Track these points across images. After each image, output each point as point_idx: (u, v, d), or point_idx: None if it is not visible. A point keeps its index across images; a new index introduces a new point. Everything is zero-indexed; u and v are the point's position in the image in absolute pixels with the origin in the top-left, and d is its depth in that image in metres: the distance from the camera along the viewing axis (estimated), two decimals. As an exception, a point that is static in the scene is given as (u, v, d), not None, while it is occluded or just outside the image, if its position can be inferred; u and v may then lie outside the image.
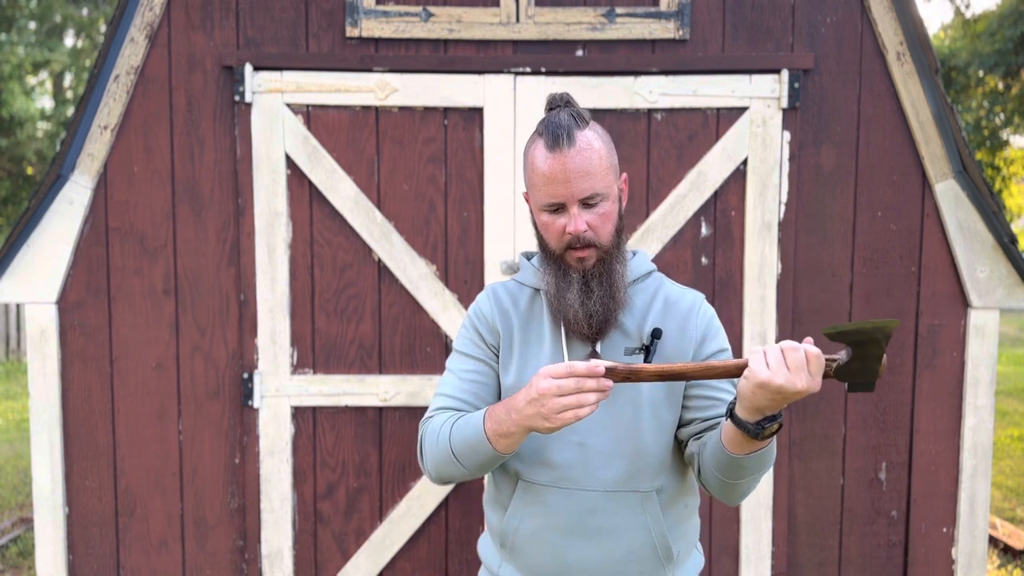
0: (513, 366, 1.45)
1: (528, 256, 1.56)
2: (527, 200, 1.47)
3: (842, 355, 1.20)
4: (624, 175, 1.45)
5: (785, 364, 1.16)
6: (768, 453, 1.30)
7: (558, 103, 1.40)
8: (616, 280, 1.40)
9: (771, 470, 2.59)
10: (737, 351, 2.58)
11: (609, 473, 1.40)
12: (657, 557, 1.44)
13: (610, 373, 1.23)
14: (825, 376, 1.20)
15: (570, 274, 1.39)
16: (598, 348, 1.43)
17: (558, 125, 1.34)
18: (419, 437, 1.48)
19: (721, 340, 1.49)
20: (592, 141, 1.35)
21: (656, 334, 1.40)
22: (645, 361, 1.39)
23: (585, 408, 1.21)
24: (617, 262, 1.41)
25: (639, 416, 1.41)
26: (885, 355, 1.20)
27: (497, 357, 1.48)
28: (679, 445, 1.49)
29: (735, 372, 1.23)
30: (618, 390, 1.39)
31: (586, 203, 1.35)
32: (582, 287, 1.38)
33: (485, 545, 1.57)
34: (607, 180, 1.36)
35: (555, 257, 1.41)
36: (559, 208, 1.36)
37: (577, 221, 1.35)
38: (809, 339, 1.20)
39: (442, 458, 1.40)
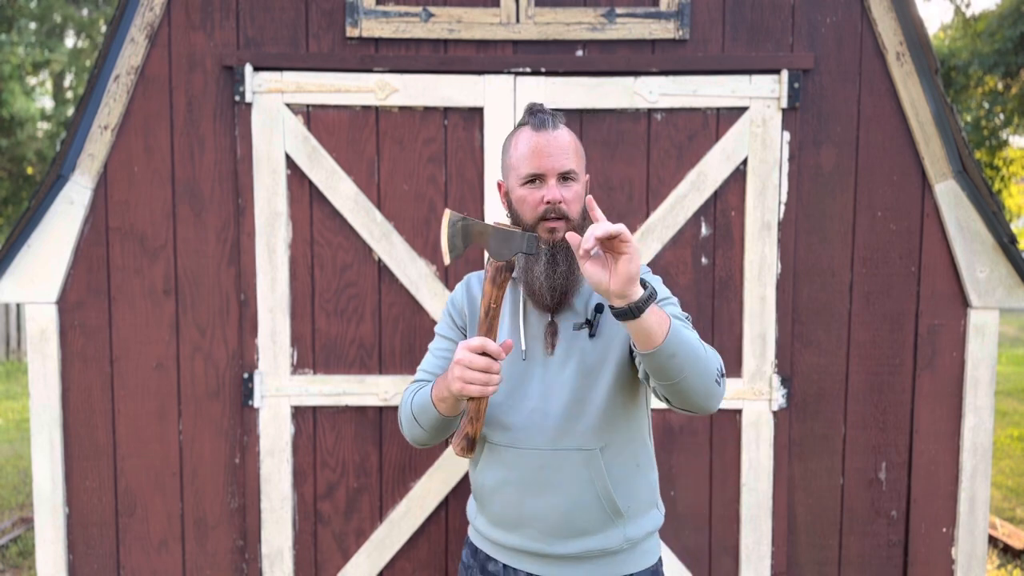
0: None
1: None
2: (500, 189, 1.68)
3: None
4: (587, 175, 1.66)
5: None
6: (674, 340, 1.35)
7: (536, 107, 1.62)
8: (577, 259, 1.52)
9: (771, 469, 2.59)
10: (736, 351, 2.58)
11: (556, 433, 1.57)
12: (604, 510, 1.59)
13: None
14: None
15: (539, 246, 1.56)
16: (555, 319, 1.60)
17: (543, 113, 1.59)
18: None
19: (659, 291, 1.59)
20: (569, 133, 1.60)
21: (599, 309, 1.58)
22: (590, 334, 1.58)
23: (490, 386, 1.42)
24: None
25: (592, 379, 1.57)
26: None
27: (466, 337, 1.69)
28: (634, 391, 1.61)
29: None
30: (568, 356, 1.57)
31: (563, 177, 1.56)
32: (549, 260, 1.55)
33: (470, 501, 1.78)
34: (580, 166, 1.59)
35: (527, 231, 1.56)
36: (538, 180, 1.56)
37: (555, 191, 1.54)
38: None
39: (407, 420, 1.65)
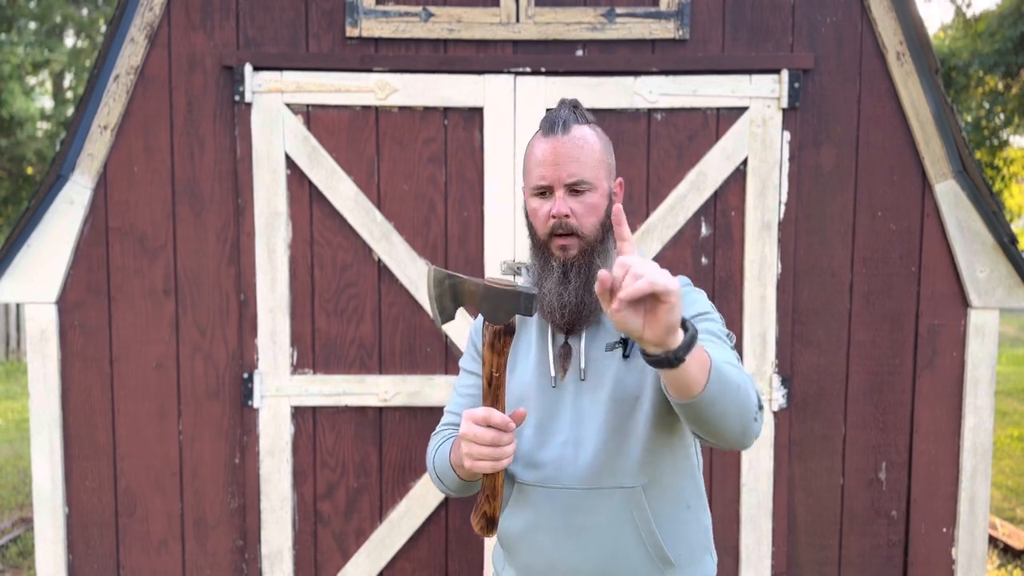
0: (507, 374, 1.46)
1: (529, 267, 1.56)
2: (525, 194, 1.52)
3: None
4: (620, 179, 1.48)
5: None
6: (715, 386, 1.15)
7: (560, 105, 1.45)
8: (595, 274, 1.37)
9: (771, 470, 2.59)
10: (736, 352, 2.58)
11: (591, 471, 1.39)
12: (650, 559, 1.40)
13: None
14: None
15: (551, 263, 1.42)
16: (570, 341, 1.44)
17: (557, 115, 1.41)
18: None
19: (698, 307, 1.42)
20: (587, 134, 1.40)
21: None
22: (624, 353, 1.40)
23: (503, 460, 1.26)
24: (599, 257, 1.41)
25: (632, 408, 1.39)
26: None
27: None
28: (677, 417, 1.41)
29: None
30: (600, 380, 1.40)
31: (573, 189, 1.39)
32: (561, 276, 1.40)
33: (496, 549, 1.59)
34: (596, 172, 1.40)
35: (540, 245, 1.44)
36: (547, 192, 1.40)
37: (560, 204, 1.38)
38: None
39: (431, 475, 1.52)
